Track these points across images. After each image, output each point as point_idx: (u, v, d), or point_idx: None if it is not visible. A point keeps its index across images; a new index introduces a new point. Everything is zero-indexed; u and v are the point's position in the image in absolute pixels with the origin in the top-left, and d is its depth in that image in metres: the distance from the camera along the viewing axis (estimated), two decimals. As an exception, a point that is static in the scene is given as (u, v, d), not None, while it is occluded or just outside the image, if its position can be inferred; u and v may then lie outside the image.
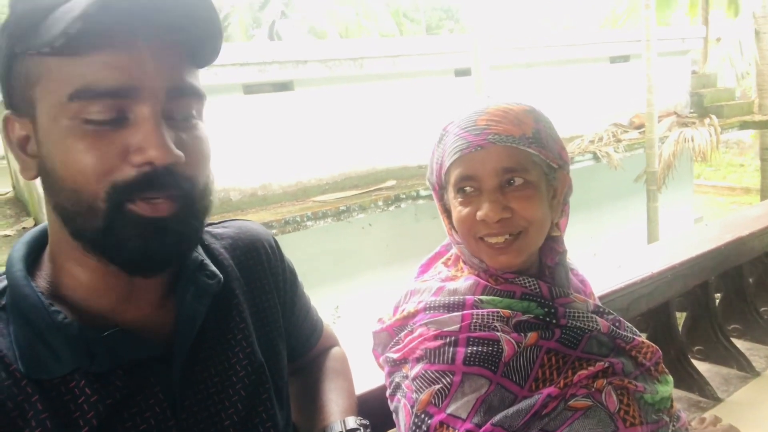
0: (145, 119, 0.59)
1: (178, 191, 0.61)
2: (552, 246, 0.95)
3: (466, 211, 0.88)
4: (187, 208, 0.63)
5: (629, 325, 0.99)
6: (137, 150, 0.59)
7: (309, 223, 4.89)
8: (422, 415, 0.83)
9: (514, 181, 0.87)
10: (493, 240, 0.88)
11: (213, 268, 0.74)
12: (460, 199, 0.90)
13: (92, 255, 0.62)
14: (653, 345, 0.97)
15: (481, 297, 0.90)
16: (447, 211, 0.96)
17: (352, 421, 0.86)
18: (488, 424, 0.80)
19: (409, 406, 0.86)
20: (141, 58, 0.59)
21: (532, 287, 0.91)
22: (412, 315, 0.92)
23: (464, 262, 0.97)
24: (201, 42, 0.64)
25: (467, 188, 0.88)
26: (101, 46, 0.57)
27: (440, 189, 0.96)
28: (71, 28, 0.55)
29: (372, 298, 5.49)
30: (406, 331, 0.92)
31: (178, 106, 0.62)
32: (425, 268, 1.04)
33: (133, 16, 0.58)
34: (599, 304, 1.00)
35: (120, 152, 0.59)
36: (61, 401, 0.60)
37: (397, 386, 0.91)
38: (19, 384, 0.59)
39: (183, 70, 0.63)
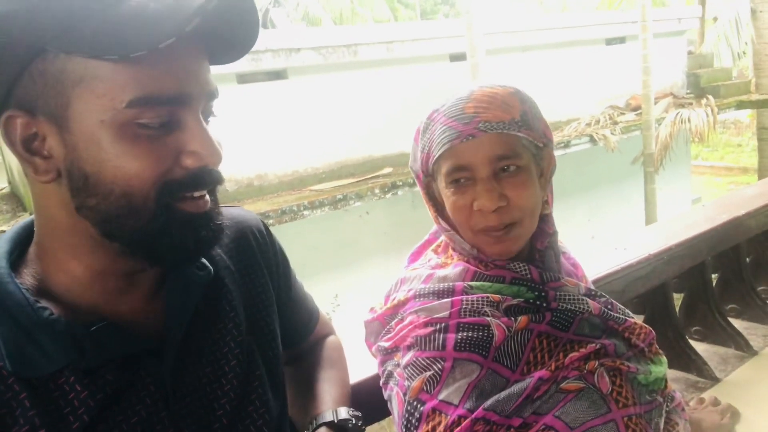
0: (195, 124, 0.62)
1: (214, 186, 0.66)
2: (542, 228, 0.95)
3: (461, 201, 0.87)
4: (216, 200, 0.67)
5: (621, 306, 0.99)
6: (191, 153, 0.62)
7: (306, 212, 4.88)
8: (415, 403, 0.83)
9: (509, 168, 0.86)
10: (495, 231, 0.88)
11: (202, 259, 0.73)
12: (452, 189, 0.88)
13: (127, 254, 0.63)
14: (646, 326, 0.97)
15: (470, 283, 0.89)
16: (433, 199, 0.95)
17: (344, 411, 0.85)
18: (480, 409, 0.80)
19: (401, 394, 0.86)
20: (194, 68, 0.61)
21: (523, 272, 0.91)
22: (403, 303, 0.92)
23: (453, 249, 0.96)
24: (238, 54, 0.67)
25: (461, 179, 0.87)
26: (164, 55, 0.58)
27: (425, 177, 0.94)
28: (159, 42, 0.55)
29: (371, 285, 5.50)
30: (396, 320, 0.92)
31: (209, 108, 0.65)
32: (415, 256, 1.04)
33: (206, 33, 0.60)
34: (591, 287, 1.00)
35: (173, 155, 0.61)
36: (50, 398, 0.60)
37: (390, 375, 0.91)
38: (5, 382, 0.59)
39: (210, 73, 0.65)
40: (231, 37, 0.65)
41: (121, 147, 0.58)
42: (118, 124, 0.58)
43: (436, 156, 0.88)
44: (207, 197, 0.65)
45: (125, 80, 0.57)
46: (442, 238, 1.00)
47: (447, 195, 0.90)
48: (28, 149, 0.60)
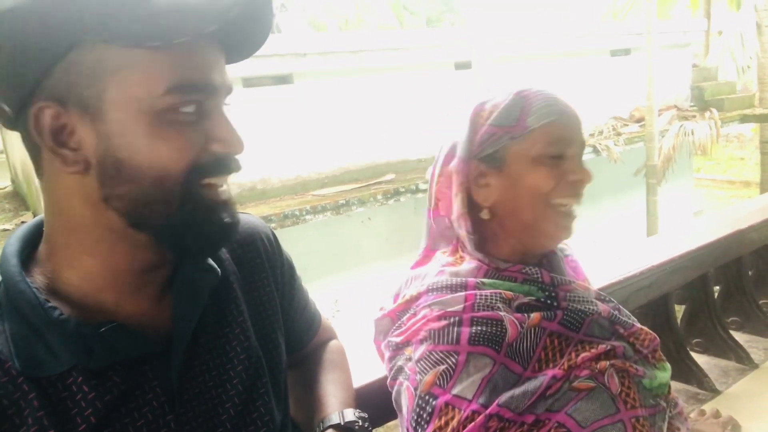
0: (220, 114, 0.65)
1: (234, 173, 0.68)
2: None
3: (555, 173, 0.90)
4: (231, 193, 0.69)
5: (628, 312, 1.01)
6: (218, 140, 0.64)
7: (308, 217, 4.88)
8: (427, 397, 0.83)
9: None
10: (572, 207, 0.92)
11: (210, 262, 0.73)
12: (549, 163, 0.90)
13: (151, 245, 0.64)
14: (651, 332, 0.98)
15: (483, 279, 0.90)
16: (466, 190, 0.94)
17: (350, 413, 0.85)
18: (494, 405, 0.80)
19: (412, 389, 0.86)
20: (216, 61, 0.64)
21: (534, 275, 0.92)
22: (415, 298, 0.92)
23: (463, 251, 0.96)
24: (251, 51, 0.69)
25: (557, 153, 0.90)
26: (194, 46, 0.61)
27: (470, 159, 0.93)
28: (202, 29, 0.58)
29: (371, 291, 5.49)
30: (408, 315, 0.92)
31: (225, 102, 0.68)
32: (421, 262, 1.04)
33: (224, 29, 0.62)
34: (600, 291, 1.01)
35: (202, 142, 0.64)
36: (58, 398, 0.60)
37: (400, 369, 0.90)
38: (15, 381, 0.59)
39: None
40: (246, 35, 0.66)
41: (157, 133, 0.60)
42: (155, 112, 0.60)
43: (537, 125, 0.90)
44: (226, 187, 0.68)
45: (163, 68, 0.59)
46: (439, 252, 1.00)
47: (527, 170, 0.90)
48: (57, 141, 0.60)
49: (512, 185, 0.91)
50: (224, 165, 0.65)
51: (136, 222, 0.63)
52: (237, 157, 0.67)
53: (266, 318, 0.81)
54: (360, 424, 0.84)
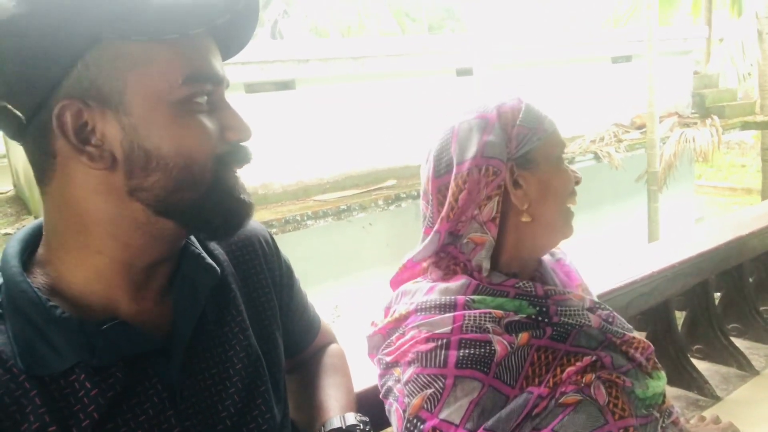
0: (228, 104, 0.68)
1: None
2: None
3: (568, 174, 0.94)
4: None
5: (622, 320, 0.99)
6: (231, 128, 0.67)
7: (309, 222, 4.89)
8: (414, 420, 0.83)
9: None
10: (573, 207, 0.95)
11: (210, 261, 0.74)
12: (562, 165, 0.94)
13: (181, 227, 0.66)
14: (645, 340, 0.97)
15: (473, 297, 0.89)
16: (502, 194, 0.89)
17: (351, 417, 0.85)
18: (481, 429, 0.80)
19: (401, 411, 0.85)
20: (217, 52, 0.66)
21: (528, 288, 0.91)
22: (404, 317, 0.91)
23: (457, 264, 0.94)
24: (240, 46, 0.71)
25: (562, 156, 0.95)
26: (201, 39, 0.63)
27: (508, 160, 0.90)
28: (215, 19, 0.61)
29: (372, 297, 5.49)
30: (397, 334, 0.91)
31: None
32: (405, 278, 1.02)
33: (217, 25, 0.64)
34: (594, 297, 1.00)
35: (219, 129, 0.66)
36: (61, 395, 0.60)
37: (389, 390, 0.90)
38: (16, 380, 0.59)
39: None
40: (236, 31, 0.69)
41: (180, 123, 0.62)
42: (176, 102, 0.61)
43: (550, 132, 0.93)
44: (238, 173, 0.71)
45: (179, 59, 0.61)
46: (431, 268, 0.98)
47: (554, 173, 0.92)
48: (80, 138, 0.60)
49: (543, 186, 0.91)
50: (244, 153, 0.69)
51: (164, 210, 0.64)
52: (247, 146, 0.70)
53: (265, 318, 0.81)
54: (361, 428, 0.84)
